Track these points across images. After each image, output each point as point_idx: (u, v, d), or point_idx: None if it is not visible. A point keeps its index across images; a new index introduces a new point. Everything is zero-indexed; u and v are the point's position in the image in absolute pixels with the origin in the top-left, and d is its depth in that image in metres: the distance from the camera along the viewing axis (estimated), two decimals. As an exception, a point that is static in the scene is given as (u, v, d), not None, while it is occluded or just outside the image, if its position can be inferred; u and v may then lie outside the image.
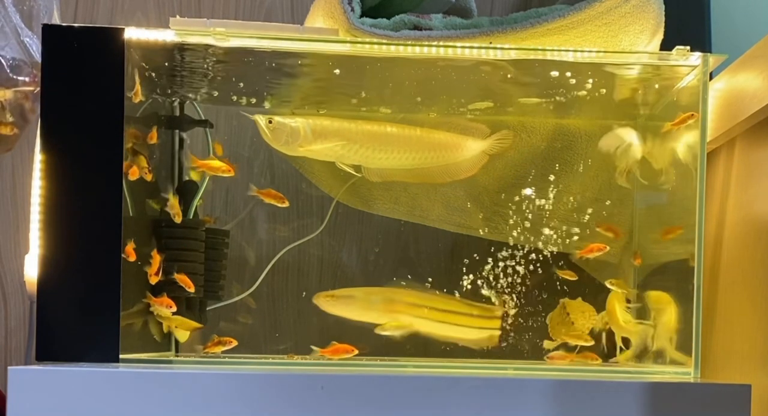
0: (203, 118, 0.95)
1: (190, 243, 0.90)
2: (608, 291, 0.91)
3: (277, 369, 0.77)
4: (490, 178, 0.97)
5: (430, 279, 0.97)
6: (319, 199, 1.02)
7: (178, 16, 0.83)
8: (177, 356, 0.92)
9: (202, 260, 0.92)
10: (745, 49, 0.81)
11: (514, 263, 0.96)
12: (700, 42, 1.05)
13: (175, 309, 0.86)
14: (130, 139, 0.81)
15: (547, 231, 0.96)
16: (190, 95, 0.94)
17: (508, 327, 0.95)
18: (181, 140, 0.95)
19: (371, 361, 0.87)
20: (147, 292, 0.85)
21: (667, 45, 0.89)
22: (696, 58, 0.81)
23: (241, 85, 0.92)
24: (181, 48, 0.83)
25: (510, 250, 0.96)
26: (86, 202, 0.78)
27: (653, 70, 0.86)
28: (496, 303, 0.96)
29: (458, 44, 0.84)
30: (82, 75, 0.78)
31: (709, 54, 0.81)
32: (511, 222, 0.96)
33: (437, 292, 0.96)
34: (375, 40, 0.85)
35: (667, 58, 0.83)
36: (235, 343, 0.88)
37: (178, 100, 0.95)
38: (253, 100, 0.95)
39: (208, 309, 0.94)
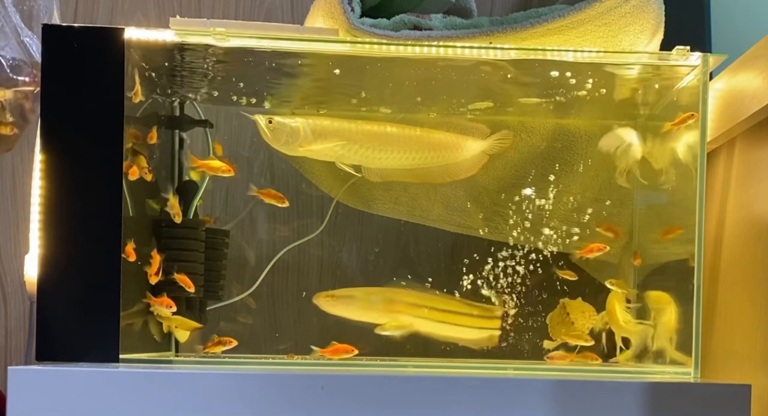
0: (203, 118, 0.95)
1: (190, 243, 0.90)
2: (608, 291, 0.91)
3: (277, 369, 0.77)
4: (490, 178, 0.97)
5: (430, 279, 0.97)
6: (319, 199, 1.02)
7: (178, 16, 0.83)
8: (177, 356, 0.92)
9: (202, 260, 0.92)
10: (745, 49, 0.81)
11: (514, 263, 0.96)
12: (700, 42, 1.05)
13: (175, 309, 0.86)
14: (130, 139, 0.81)
15: (547, 231, 0.96)
16: (190, 95, 0.94)
17: (508, 327, 0.95)
18: (181, 140, 0.95)
19: (371, 361, 0.87)
20: (147, 292, 0.85)
21: (667, 45, 0.89)
22: (696, 58, 0.81)
23: (241, 85, 0.92)
24: (181, 48, 0.83)
25: (510, 250, 0.96)
26: (86, 202, 0.78)
27: (653, 70, 0.86)
28: (497, 303, 0.96)
29: (458, 44, 0.84)
30: (82, 75, 0.78)
31: (709, 54, 0.81)
32: (511, 222, 0.96)
33: (437, 292, 0.96)
34: (375, 40, 0.85)
35: (667, 58, 0.83)
36: (235, 343, 0.88)
37: (178, 100, 0.95)
38: (253, 100, 0.95)
39: (208, 309, 0.94)
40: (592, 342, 0.91)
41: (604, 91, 0.89)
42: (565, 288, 0.95)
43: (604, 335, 0.92)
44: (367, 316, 0.93)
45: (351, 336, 0.89)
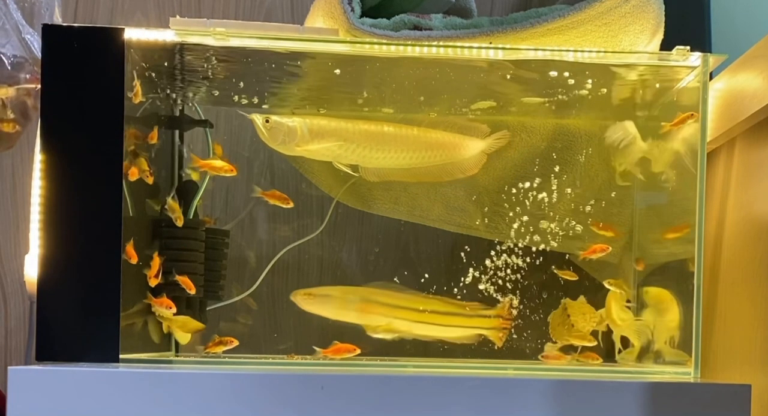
0: (203, 118, 0.95)
1: (190, 244, 0.90)
2: (608, 290, 0.91)
3: (277, 369, 0.77)
4: (490, 178, 0.97)
5: (428, 278, 0.97)
6: (319, 199, 1.02)
7: (178, 16, 0.83)
8: (177, 356, 0.92)
9: (202, 260, 0.92)
10: (745, 49, 0.81)
11: (513, 263, 0.96)
12: (700, 42, 1.05)
13: (175, 310, 0.85)
14: (130, 139, 0.81)
15: (547, 231, 0.96)
16: (190, 95, 0.94)
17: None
18: (182, 140, 0.95)
19: (371, 361, 0.87)
20: (147, 293, 0.85)
21: (667, 45, 0.89)
22: (696, 58, 0.81)
23: (241, 85, 0.92)
24: (181, 48, 0.83)
25: (510, 250, 0.96)
26: (86, 202, 0.78)
27: (653, 70, 0.86)
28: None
29: (458, 44, 0.84)
30: (82, 75, 0.78)
31: (709, 54, 0.81)
32: (511, 222, 0.96)
33: (417, 293, 0.95)
34: (375, 40, 0.85)
35: (667, 58, 0.83)
36: (236, 343, 0.88)
37: (178, 100, 0.95)
38: (254, 100, 0.95)
39: (208, 309, 0.94)
40: (595, 343, 0.91)
41: (604, 91, 0.90)
42: (565, 288, 0.95)
43: (603, 335, 0.92)
44: (344, 315, 0.93)
45: (351, 336, 0.89)
